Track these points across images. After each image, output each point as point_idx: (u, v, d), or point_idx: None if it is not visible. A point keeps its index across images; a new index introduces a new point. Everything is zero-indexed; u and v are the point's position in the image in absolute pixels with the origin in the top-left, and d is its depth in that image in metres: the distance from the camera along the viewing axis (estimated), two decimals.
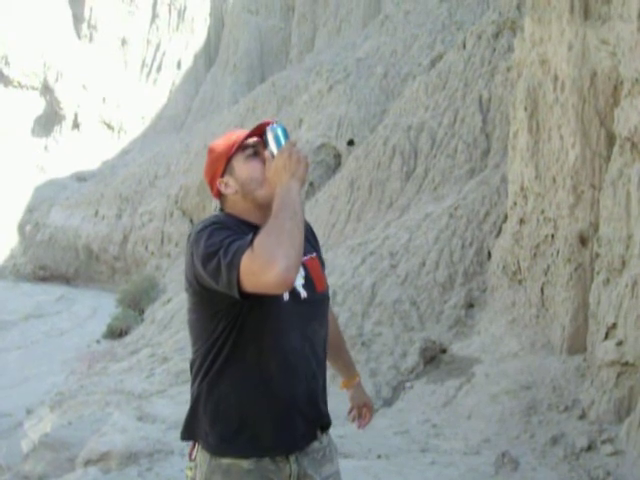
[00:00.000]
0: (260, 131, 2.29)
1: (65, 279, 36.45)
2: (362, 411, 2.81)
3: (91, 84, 55.03)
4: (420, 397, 8.86)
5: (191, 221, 29.51)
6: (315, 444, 2.34)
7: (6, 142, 50.16)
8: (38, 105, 54.82)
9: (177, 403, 9.22)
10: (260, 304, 2.13)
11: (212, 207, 27.24)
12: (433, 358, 9.87)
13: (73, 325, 22.64)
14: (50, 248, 37.42)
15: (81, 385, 11.57)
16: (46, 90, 54.64)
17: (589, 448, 6.35)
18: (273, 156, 2.18)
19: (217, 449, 2.22)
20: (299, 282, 2.28)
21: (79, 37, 58.91)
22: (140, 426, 8.38)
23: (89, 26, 59.09)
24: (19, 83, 54.11)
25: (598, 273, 7.62)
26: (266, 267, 1.88)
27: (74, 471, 7.49)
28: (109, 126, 54.95)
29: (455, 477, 6.24)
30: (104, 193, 36.63)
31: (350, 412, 2.82)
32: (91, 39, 58.92)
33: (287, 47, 49.20)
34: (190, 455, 2.32)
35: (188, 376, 8.81)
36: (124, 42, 59.10)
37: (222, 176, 2.30)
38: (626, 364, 6.64)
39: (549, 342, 8.74)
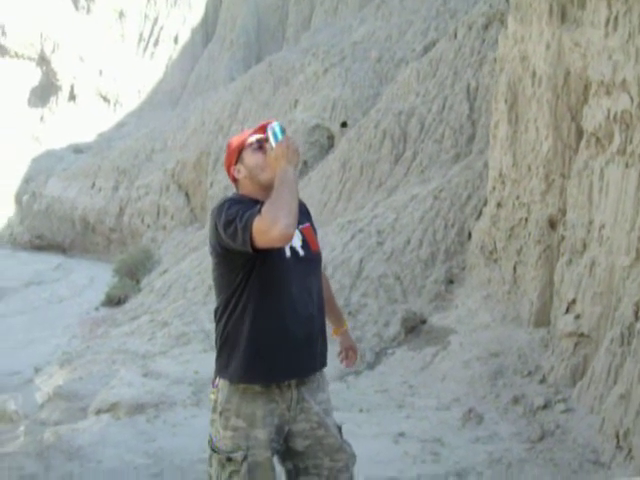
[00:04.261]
0: (263, 129, 3.01)
1: (61, 249, 36.56)
2: (349, 353, 3.37)
3: (88, 56, 54.66)
4: (400, 362, 9.51)
5: (187, 195, 29.80)
6: (311, 376, 2.95)
7: (2, 111, 50.21)
8: (34, 76, 54.43)
9: (179, 363, 9.87)
10: (269, 261, 2.76)
11: (207, 182, 27.67)
12: (413, 328, 10.47)
13: (72, 293, 22.99)
14: (47, 218, 37.50)
15: (87, 346, 12.26)
16: (43, 61, 54.28)
17: (545, 406, 6.97)
18: (272, 148, 2.89)
19: (234, 378, 2.82)
20: (298, 244, 2.89)
21: (76, 8, 58.42)
22: (145, 381, 9.10)
23: None
24: (16, 53, 53.83)
25: (563, 254, 8.20)
26: (271, 225, 2.52)
27: (87, 418, 8.31)
28: (105, 98, 54.77)
29: (427, 428, 6.93)
30: (101, 165, 36.74)
31: (340, 354, 3.37)
32: (89, 11, 58.55)
33: (284, 25, 49.10)
34: (213, 383, 2.91)
35: (188, 339, 9.83)
36: (121, 15, 58.75)
37: (236, 164, 2.99)
38: (582, 335, 7.25)
39: (518, 316, 9.33)
